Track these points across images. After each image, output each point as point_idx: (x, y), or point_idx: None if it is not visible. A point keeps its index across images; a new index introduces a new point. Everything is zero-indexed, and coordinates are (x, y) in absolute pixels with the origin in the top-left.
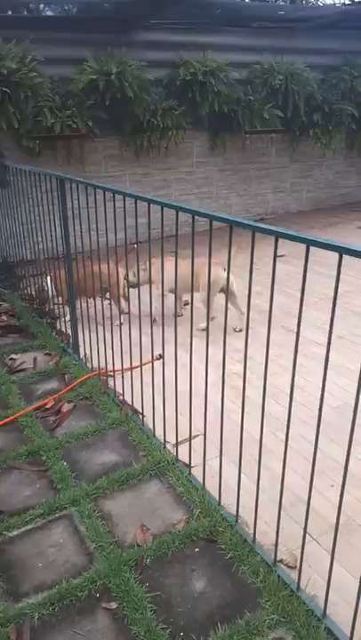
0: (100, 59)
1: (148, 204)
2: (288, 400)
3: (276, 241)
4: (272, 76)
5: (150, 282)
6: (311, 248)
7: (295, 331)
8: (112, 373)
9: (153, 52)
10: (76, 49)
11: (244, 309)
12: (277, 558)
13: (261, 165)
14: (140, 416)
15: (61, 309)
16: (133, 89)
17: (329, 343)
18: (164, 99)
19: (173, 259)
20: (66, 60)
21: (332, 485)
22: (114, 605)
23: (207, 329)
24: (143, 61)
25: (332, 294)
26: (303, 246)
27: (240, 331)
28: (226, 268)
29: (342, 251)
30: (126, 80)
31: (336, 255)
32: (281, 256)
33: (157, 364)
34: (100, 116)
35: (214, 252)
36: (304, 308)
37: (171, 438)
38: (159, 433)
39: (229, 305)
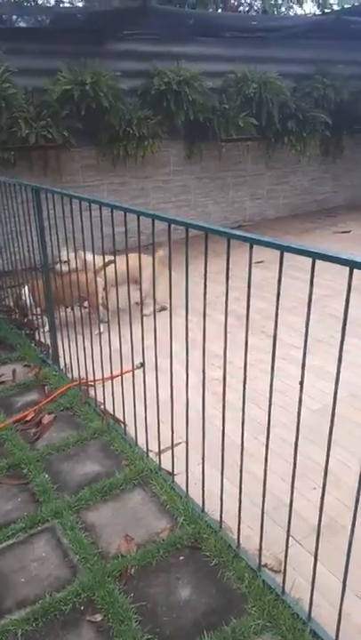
0: (74, 69)
1: (125, 213)
2: (268, 404)
3: (251, 247)
4: (246, 84)
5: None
6: (288, 254)
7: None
8: (93, 383)
9: (127, 62)
10: (49, 60)
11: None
12: (262, 563)
13: (238, 173)
14: (122, 425)
15: (40, 320)
16: (108, 99)
17: (305, 346)
18: (140, 108)
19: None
20: (39, 70)
21: (314, 488)
22: (98, 618)
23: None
24: (117, 71)
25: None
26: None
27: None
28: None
29: (316, 256)
30: (101, 90)
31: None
32: (259, 262)
33: (138, 371)
34: (76, 126)
35: (191, 259)
36: (283, 312)
37: (153, 447)
38: (141, 442)
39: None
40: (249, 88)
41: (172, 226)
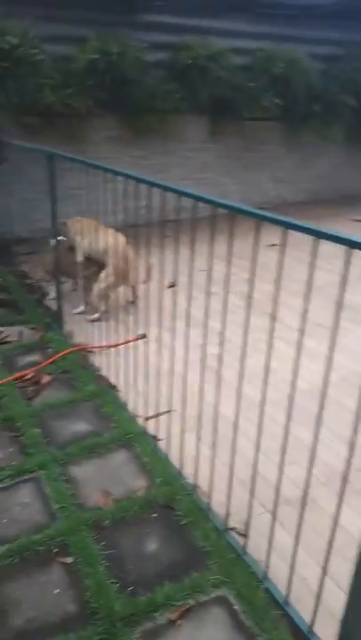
0: (102, 38)
1: (150, 187)
2: (261, 382)
3: (259, 226)
4: (273, 63)
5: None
6: (303, 239)
7: (278, 317)
8: (93, 350)
9: (155, 33)
10: (78, 28)
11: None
12: (230, 527)
13: (260, 154)
14: (116, 391)
15: (50, 287)
16: (134, 70)
17: (303, 329)
18: (165, 82)
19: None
20: (68, 38)
21: (292, 463)
22: (69, 560)
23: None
24: (145, 43)
25: (320, 284)
26: (296, 236)
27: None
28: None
29: (317, 235)
30: (126, 61)
31: (326, 245)
32: (273, 245)
33: (137, 343)
34: (101, 96)
35: (205, 239)
36: (290, 296)
37: (142, 413)
38: (131, 407)
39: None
40: (276, 67)
41: (190, 203)
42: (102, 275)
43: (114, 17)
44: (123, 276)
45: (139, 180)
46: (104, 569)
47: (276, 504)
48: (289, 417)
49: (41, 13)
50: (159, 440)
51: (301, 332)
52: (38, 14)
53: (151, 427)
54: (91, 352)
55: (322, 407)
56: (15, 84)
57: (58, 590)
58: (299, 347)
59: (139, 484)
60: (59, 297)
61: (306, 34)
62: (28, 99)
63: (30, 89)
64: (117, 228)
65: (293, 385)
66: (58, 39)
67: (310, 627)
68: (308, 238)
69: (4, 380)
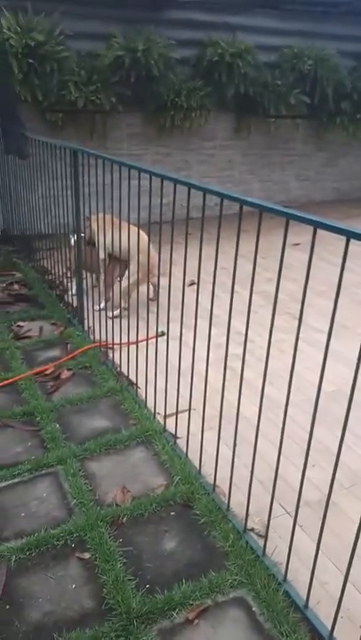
0: (128, 36)
1: (175, 185)
2: (282, 382)
3: (287, 223)
4: (301, 60)
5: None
6: (325, 238)
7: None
8: (113, 346)
9: (182, 30)
10: (104, 24)
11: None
12: (248, 527)
13: (286, 152)
14: (135, 387)
15: (69, 283)
16: (159, 67)
17: (331, 330)
18: (190, 79)
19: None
20: (94, 35)
21: (313, 465)
22: (87, 555)
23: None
24: (171, 40)
25: (343, 284)
26: (319, 235)
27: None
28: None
29: (349, 234)
30: (152, 58)
31: (351, 244)
32: (296, 244)
33: (157, 340)
34: (125, 92)
35: (230, 236)
36: (313, 296)
37: (161, 410)
38: (150, 404)
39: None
40: (304, 64)
41: (212, 201)
42: (127, 272)
43: (139, 13)
44: (146, 274)
45: (162, 177)
46: (121, 565)
47: (296, 506)
48: (314, 419)
49: (67, 10)
50: (178, 438)
51: (328, 333)
52: (64, 11)
53: (170, 425)
54: (111, 348)
55: (348, 410)
56: (40, 80)
57: (75, 585)
58: (326, 349)
59: (157, 481)
60: (79, 293)
61: (335, 31)
62: (52, 95)
63: (55, 85)
64: (140, 226)
65: (319, 387)
66: (83, 36)
67: (331, 632)
68: (332, 237)
69: (25, 375)
